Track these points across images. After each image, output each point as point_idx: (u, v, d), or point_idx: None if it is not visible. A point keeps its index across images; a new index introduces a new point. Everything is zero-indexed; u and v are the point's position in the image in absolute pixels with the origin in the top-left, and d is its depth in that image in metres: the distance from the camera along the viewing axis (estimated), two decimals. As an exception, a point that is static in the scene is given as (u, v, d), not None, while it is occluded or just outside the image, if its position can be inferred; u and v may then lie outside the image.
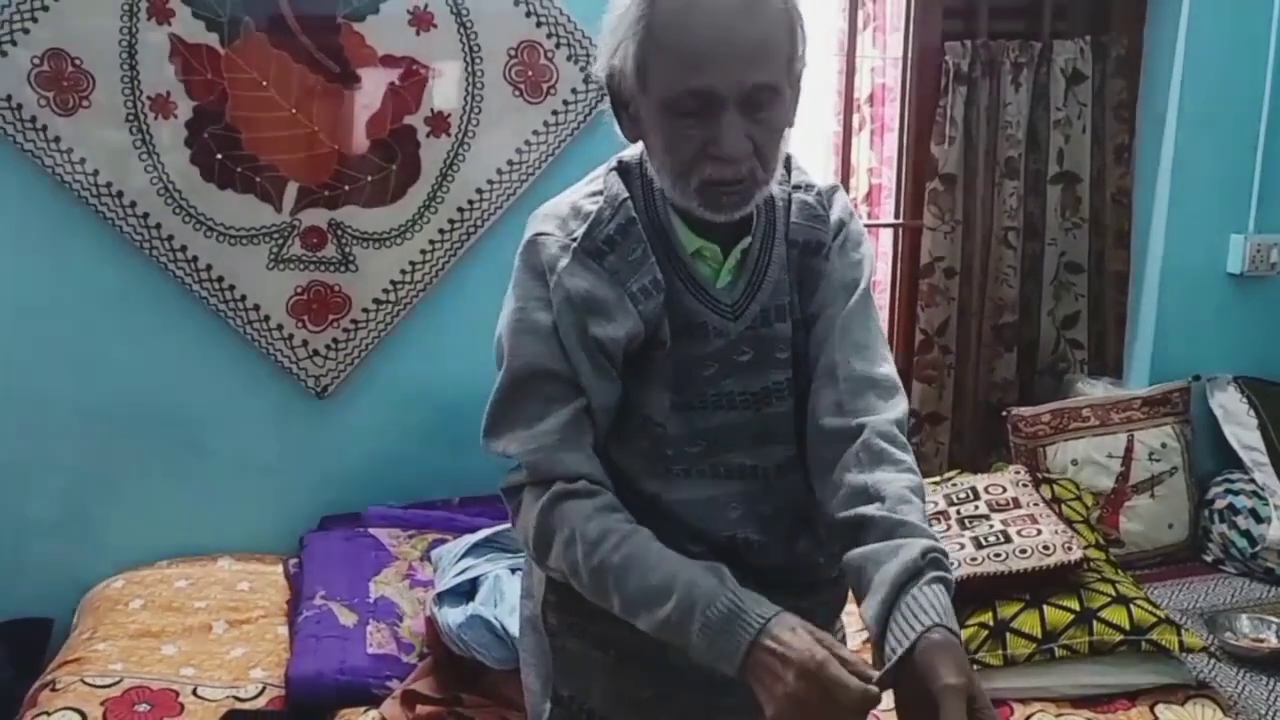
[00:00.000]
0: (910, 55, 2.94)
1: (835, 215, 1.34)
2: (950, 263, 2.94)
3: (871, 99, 3.11)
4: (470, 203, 2.60)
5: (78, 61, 2.35)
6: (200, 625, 2.31)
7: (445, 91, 2.55)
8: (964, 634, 2.15)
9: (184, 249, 2.47)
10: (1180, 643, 2.17)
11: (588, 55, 2.56)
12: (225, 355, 2.55)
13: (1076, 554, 2.27)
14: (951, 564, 1.17)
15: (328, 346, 2.59)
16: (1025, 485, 2.55)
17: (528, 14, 2.55)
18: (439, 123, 2.55)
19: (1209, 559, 2.86)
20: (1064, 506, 2.55)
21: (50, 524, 2.53)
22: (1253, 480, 2.84)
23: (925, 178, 2.93)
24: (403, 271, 2.59)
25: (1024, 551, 2.25)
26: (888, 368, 1.30)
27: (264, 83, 2.45)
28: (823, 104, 3.05)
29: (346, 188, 2.53)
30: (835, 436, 1.25)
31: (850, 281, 1.32)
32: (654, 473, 1.29)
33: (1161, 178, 2.98)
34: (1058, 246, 3.03)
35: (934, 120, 2.90)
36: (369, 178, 2.54)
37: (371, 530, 2.53)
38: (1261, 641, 2.41)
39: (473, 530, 2.37)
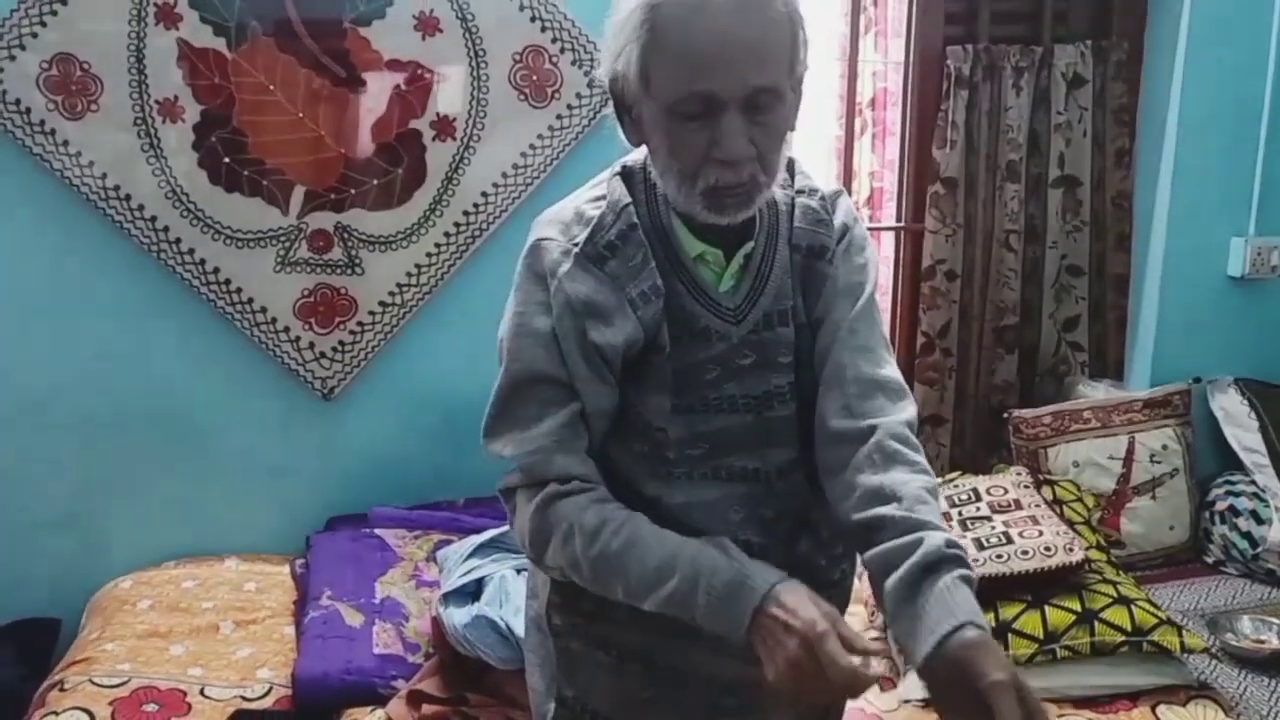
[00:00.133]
0: (912, 59, 2.95)
1: (839, 220, 1.34)
2: (951, 266, 2.95)
3: (873, 103, 3.12)
4: (476, 206, 2.62)
5: (86, 65, 2.37)
6: (207, 625, 2.32)
7: (450, 96, 2.56)
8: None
9: (191, 252, 2.48)
10: (1181, 644, 2.17)
11: (592, 60, 2.58)
12: (232, 358, 2.57)
13: (1078, 555, 2.27)
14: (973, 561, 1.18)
15: (334, 349, 2.61)
16: (1026, 487, 2.56)
17: (533, 19, 2.56)
18: (444, 127, 2.57)
19: (1210, 560, 2.86)
20: (1065, 508, 2.55)
21: (58, 525, 2.54)
22: (1253, 482, 2.85)
23: (927, 181, 2.94)
24: (409, 274, 2.61)
25: (1025, 553, 2.26)
26: (894, 371, 1.31)
27: (271, 87, 2.46)
28: (825, 108, 3.06)
29: (353, 191, 2.55)
30: (845, 438, 1.25)
31: (855, 285, 1.33)
32: (655, 475, 1.29)
33: (1162, 181, 2.99)
34: (1059, 249, 3.04)
35: (935, 124, 2.91)
36: (375, 181, 2.55)
37: (377, 531, 2.54)
38: (1263, 643, 2.42)
39: (477, 531, 2.38)
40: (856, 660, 1.09)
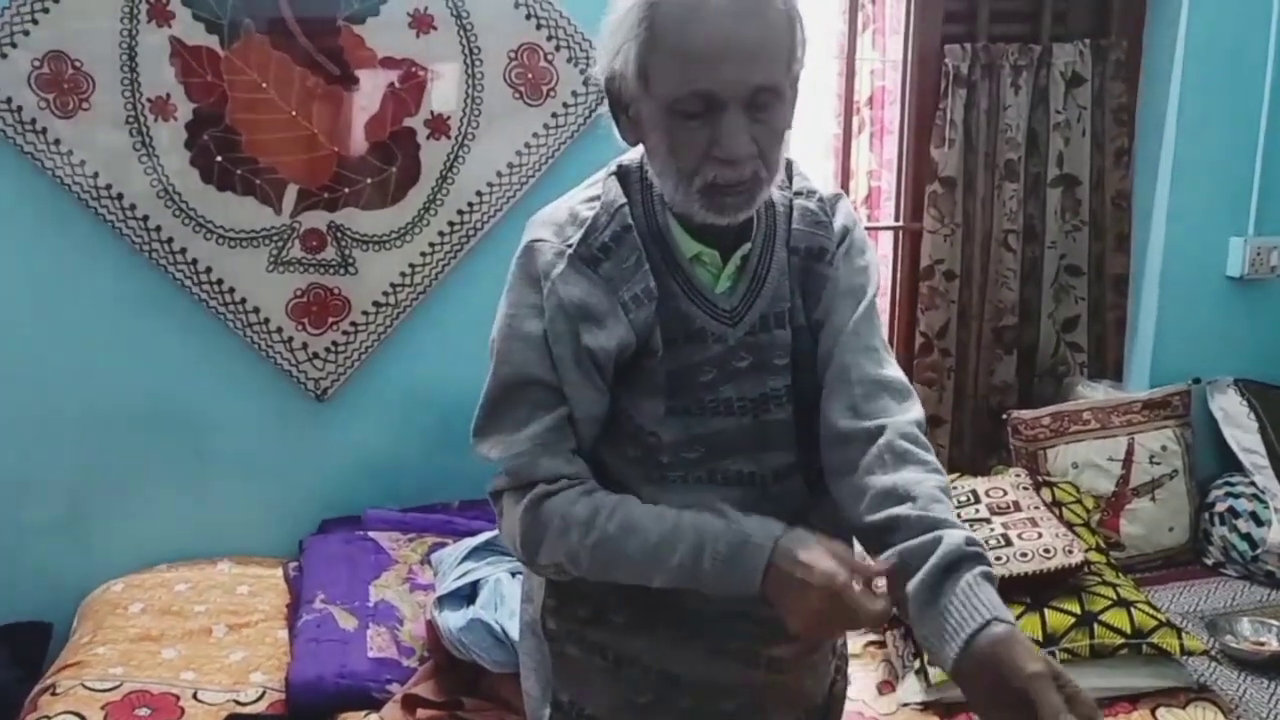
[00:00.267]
0: (910, 58, 2.94)
1: (839, 222, 1.33)
2: (950, 266, 2.94)
3: (871, 101, 3.11)
4: (470, 205, 2.60)
5: (78, 64, 2.35)
6: (200, 629, 2.31)
7: (445, 94, 2.54)
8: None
9: (183, 251, 2.46)
10: (1181, 646, 2.17)
11: (588, 58, 2.56)
12: (225, 358, 2.55)
13: (1077, 557, 2.27)
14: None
15: (327, 349, 2.59)
16: (1025, 488, 2.55)
17: (528, 16, 2.55)
18: (439, 125, 2.55)
19: (1209, 562, 2.86)
20: (1064, 509, 2.54)
21: (49, 528, 2.52)
22: (1253, 483, 2.85)
23: (925, 181, 2.93)
24: (402, 274, 2.59)
25: (1024, 555, 2.25)
26: (898, 371, 1.31)
27: (264, 85, 2.45)
28: (822, 106, 3.05)
29: (346, 190, 2.53)
30: (853, 439, 1.24)
31: (857, 287, 1.32)
32: (649, 480, 1.28)
33: (1161, 181, 2.98)
34: (1057, 249, 3.03)
35: (934, 123, 2.90)
36: (369, 180, 2.54)
37: (371, 534, 2.53)
38: (1262, 644, 2.41)
39: (472, 533, 2.37)
40: (879, 603, 1.11)
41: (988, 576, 1.12)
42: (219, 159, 2.45)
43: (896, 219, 3.06)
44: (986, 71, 2.88)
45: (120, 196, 2.41)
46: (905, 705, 2.16)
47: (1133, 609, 2.21)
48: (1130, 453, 2.85)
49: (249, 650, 2.26)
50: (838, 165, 3.01)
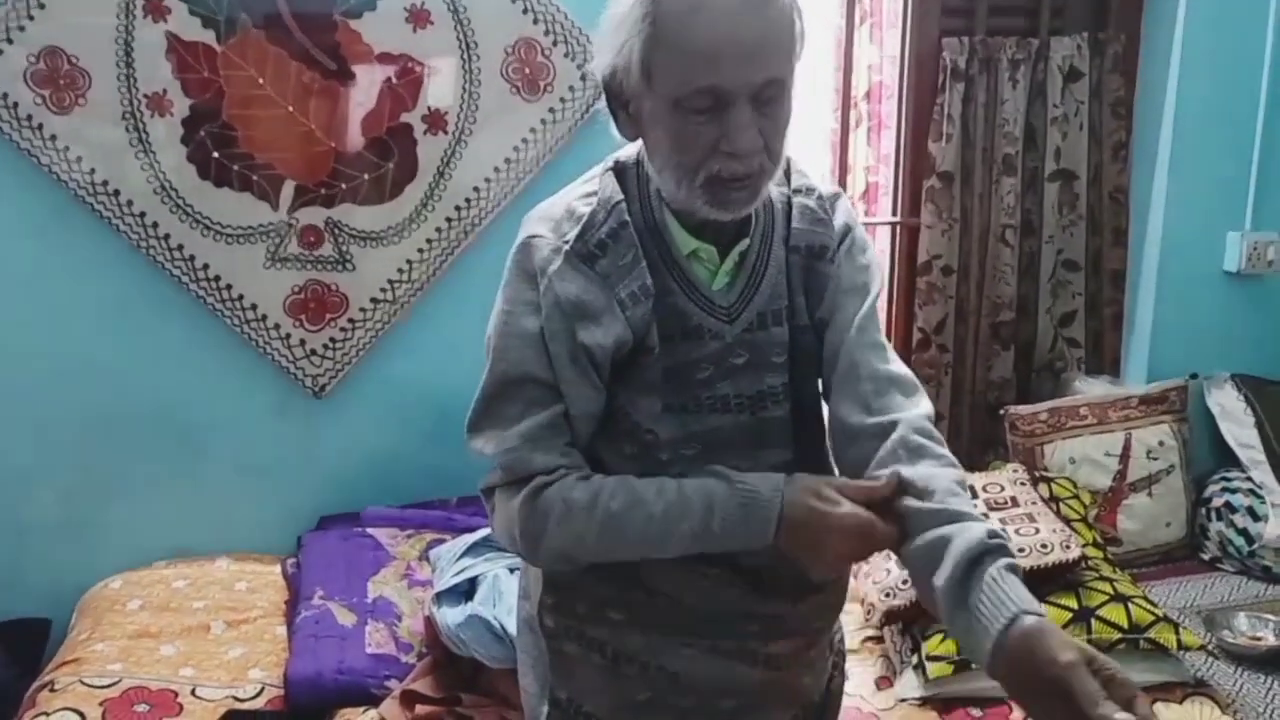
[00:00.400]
0: (907, 52, 2.93)
1: (840, 220, 1.34)
2: (948, 261, 2.94)
3: (868, 96, 3.10)
4: (467, 200, 2.60)
5: (74, 59, 2.34)
6: (198, 625, 2.31)
7: (442, 89, 2.54)
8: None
9: (180, 247, 2.46)
10: (1178, 641, 2.17)
11: (585, 52, 2.56)
12: (222, 354, 2.55)
13: (1074, 552, 2.27)
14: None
15: (325, 346, 2.59)
16: (1023, 484, 2.55)
17: (525, 11, 2.54)
18: (436, 120, 2.55)
19: (1206, 557, 2.86)
20: (1062, 505, 2.55)
21: (48, 524, 2.52)
22: (1250, 478, 2.85)
23: (923, 175, 2.93)
24: (400, 270, 2.59)
25: (1022, 550, 2.25)
26: (904, 367, 1.32)
27: (260, 80, 2.44)
28: (820, 101, 3.05)
29: (343, 186, 2.52)
30: (865, 435, 1.25)
31: (860, 285, 1.32)
32: (648, 476, 1.28)
33: (1159, 175, 2.98)
34: (1055, 244, 3.03)
35: (931, 118, 2.90)
36: (366, 176, 2.53)
37: (369, 530, 2.53)
38: (1259, 639, 2.41)
39: (470, 530, 2.37)
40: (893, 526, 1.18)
41: (1012, 568, 1.12)
42: (216, 155, 2.44)
43: (894, 214, 3.06)
44: (984, 66, 2.87)
45: (117, 193, 2.40)
46: (903, 700, 2.16)
47: (1130, 604, 2.22)
48: (1127, 448, 2.85)
49: (247, 647, 2.26)
50: (835, 160, 3.01)
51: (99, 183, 2.39)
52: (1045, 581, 2.22)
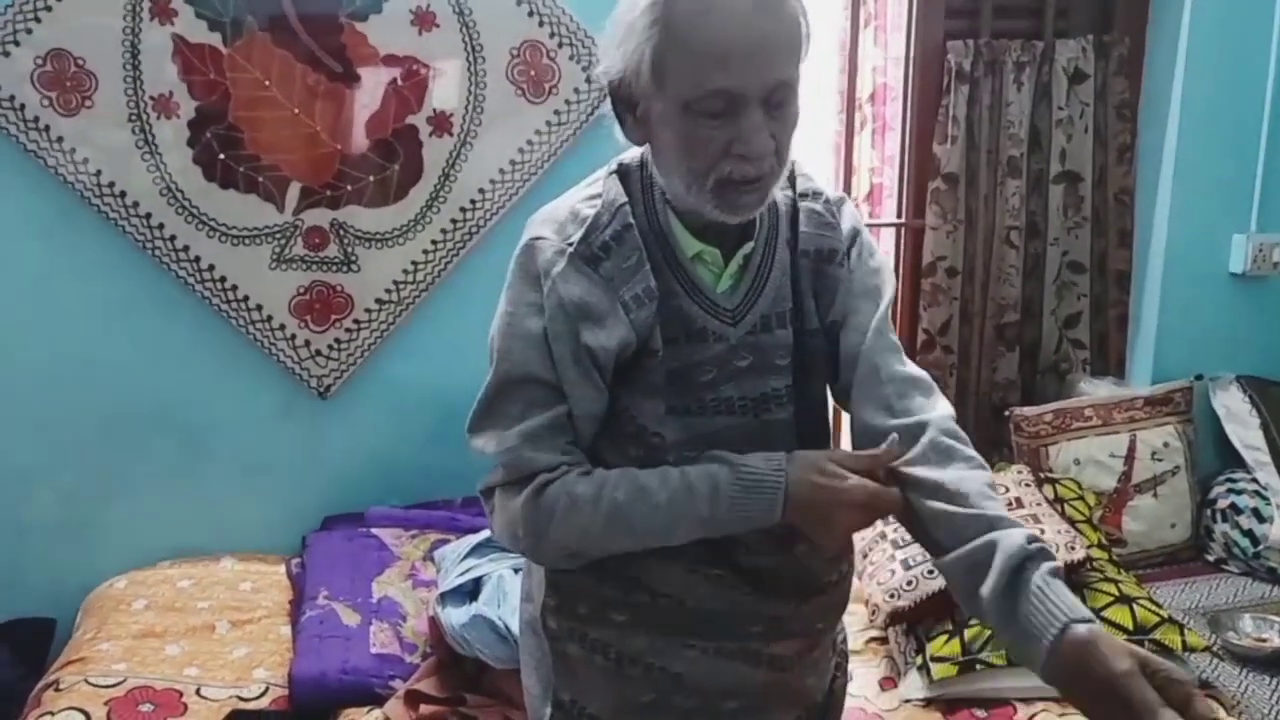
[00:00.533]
0: (912, 54, 2.93)
1: (847, 225, 1.34)
2: (952, 262, 2.94)
3: (873, 98, 3.10)
4: (472, 202, 2.60)
5: (80, 61, 2.35)
6: (203, 625, 2.31)
7: (447, 91, 2.54)
8: (968, 634, 2.15)
9: (186, 249, 2.47)
10: (1183, 642, 2.17)
11: (590, 55, 2.56)
12: (228, 355, 2.55)
13: (1079, 554, 2.27)
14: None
15: (330, 346, 2.59)
16: (1028, 485, 2.55)
17: (530, 13, 2.55)
18: (441, 122, 2.55)
19: (1211, 559, 2.85)
20: (1066, 506, 2.55)
21: (53, 524, 2.53)
22: (1255, 480, 2.84)
23: (927, 177, 2.93)
24: (405, 271, 2.59)
25: (1027, 551, 2.25)
26: (920, 369, 1.33)
27: (266, 82, 2.45)
28: (824, 103, 3.05)
29: (349, 187, 2.53)
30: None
31: (873, 289, 1.33)
32: None
33: (1164, 177, 2.98)
34: (1060, 246, 3.03)
35: (936, 120, 2.90)
36: (371, 178, 2.54)
37: (374, 530, 2.53)
38: (1264, 641, 2.40)
39: (474, 530, 2.37)
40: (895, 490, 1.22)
41: (1055, 572, 1.13)
42: (221, 157, 2.45)
43: (899, 216, 3.06)
44: (989, 68, 2.87)
45: (123, 194, 2.41)
46: (907, 702, 2.16)
47: (1135, 605, 2.21)
48: (1132, 449, 2.85)
49: (252, 646, 2.26)
50: (839, 162, 3.01)
51: (105, 184, 2.40)
52: (1050, 583, 2.22)
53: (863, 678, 2.22)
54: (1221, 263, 3.02)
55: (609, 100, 1.24)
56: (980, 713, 2.11)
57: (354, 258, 2.56)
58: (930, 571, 2.23)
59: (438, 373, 2.63)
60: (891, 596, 2.27)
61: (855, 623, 2.36)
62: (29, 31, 2.31)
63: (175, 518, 2.59)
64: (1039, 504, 2.46)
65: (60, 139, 2.36)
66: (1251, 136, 2.95)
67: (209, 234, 2.47)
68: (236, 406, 2.59)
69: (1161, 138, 2.97)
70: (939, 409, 1.29)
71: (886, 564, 2.34)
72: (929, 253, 2.94)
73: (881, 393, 1.28)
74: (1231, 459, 2.95)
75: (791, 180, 1.34)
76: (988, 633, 2.15)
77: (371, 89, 2.50)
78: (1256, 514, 2.78)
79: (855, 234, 1.35)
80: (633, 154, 1.31)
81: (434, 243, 2.60)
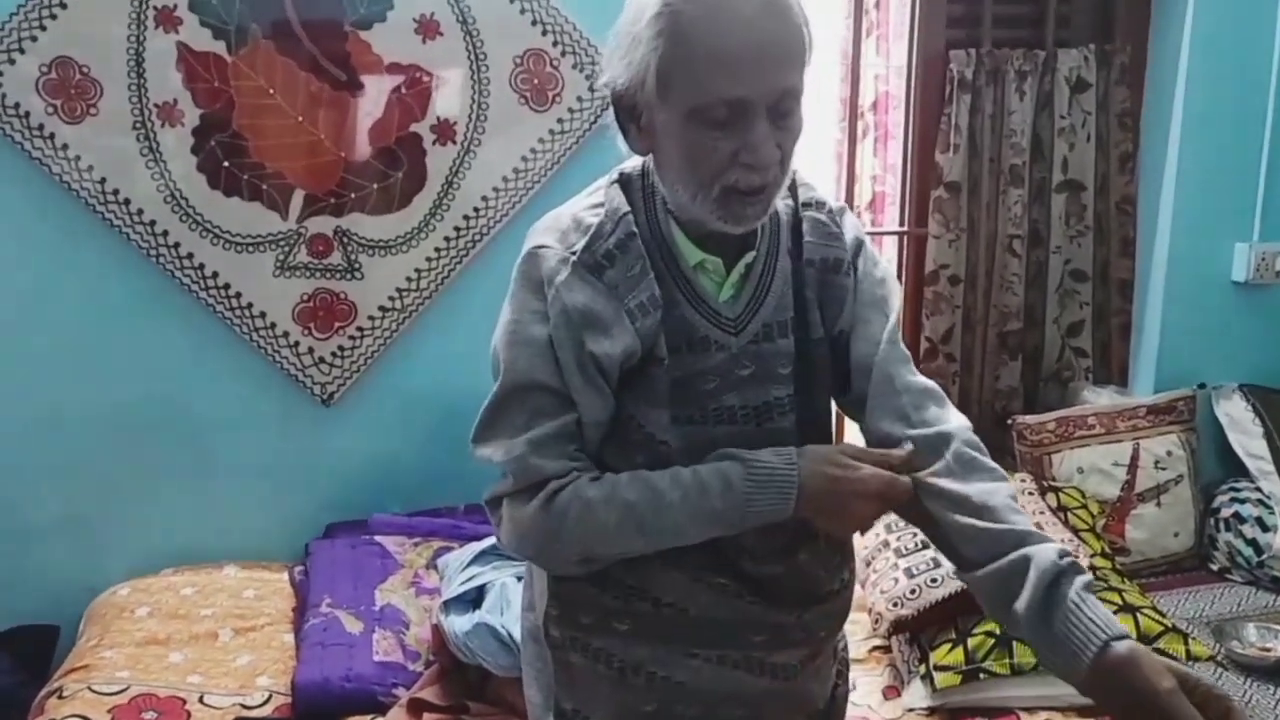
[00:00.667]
0: (914, 63, 2.94)
1: (850, 234, 1.35)
2: (955, 270, 2.94)
3: (875, 106, 3.11)
4: (476, 210, 2.61)
5: (85, 69, 2.36)
6: (206, 633, 2.31)
7: (451, 99, 2.55)
8: (971, 642, 2.15)
9: (190, 256, 2.47)
10: (1187, 651, 2.17)
11: (593, 63, 2.57)
12: (231, 362, 2.56)
13: (1083, 562, 2.26)
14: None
15: (333, 354, 2.59)
16: (1031, 493, 2.55)
17: (533, 22, 2.55)
18: (445, 130, 2.56)
19: (1215, 567, 2.85)
20: (1070, 515, 2.55)
21: (56, 531, 2.53)
22: (1259, 488, 2.84)
23: (930, 186, 2.93)
24: (408, 279, 2.60)
25: (1030, 560, 2.25)
26: (928, 379, 1.34)
27: (270, 90, 2.45)
28: (826, 111, 3.05)
29: (352, 195, 2.54)
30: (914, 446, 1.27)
31: (881, 299, 1.34)
32: None
33: (1166, 186, 2.98)
34: (1062, 254, 3.03)
35: (938, 128, 2.90)
36: (375, 185, 2.54)
37: (377, 538, 2.53)
38: (1268, 650, 2.40)
39: (478, 538, 2.37)
40: (907, 480, 1.23)
41: (1088, 586, 1.15)
42: (226, 164, 2.45)
43: (901, 224, 3.06)
44: (991, 77, 2.88)
45: (127, 201, 2.42)
46: (910, 711, 2.15)
47: (1138, 614, 2.21)
48: (1135, 458, 2.84)
49: (255, 654, 2.26)
50: (842, 170, 3.01)
51: (109, 191, 2.41)
52: (1053, 591, 2.22)
53: (866, 686, 2.21)
54: (1224, 271, 3.02)
55: (612, 110, 1.24)
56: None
57: (357, 265, 2.56)
58: (933, 580, 2.23)
59: (441, 380, 2.63)
60: (895, 605, 2.27)
61: (858, 631, 2.36)
62: (34, 39, 2.32)
63: (178, 525, 2.60)
64: (1042, 512, 2.46)
65: (65, 146, 2.37)
66: (1253, 145, 2.95)
67: (213, 241, 2.48)
68: (240, 413, 2.60)
69: (1163, 146, 2.97)
70: (956, 420, 1.31)
71: (889, 572, 2.34)
72: (931, 261, 2.94)
73: (898, 403, 1.30)
74: (1235, 468, 2.94)
75: (792, 190, 1.34)
76: (991, 642, 2.15)
77: (375, 97, 2.51)
78: (1260, 523, 2.77)
79: (859, 244, 1.35)
80: (634, 163, 1.31)
81: (437, 250, 2.60)
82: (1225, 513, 2.85)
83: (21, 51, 2.32)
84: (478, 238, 2.62)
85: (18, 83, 2.33)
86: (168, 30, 2.38)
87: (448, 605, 2.14)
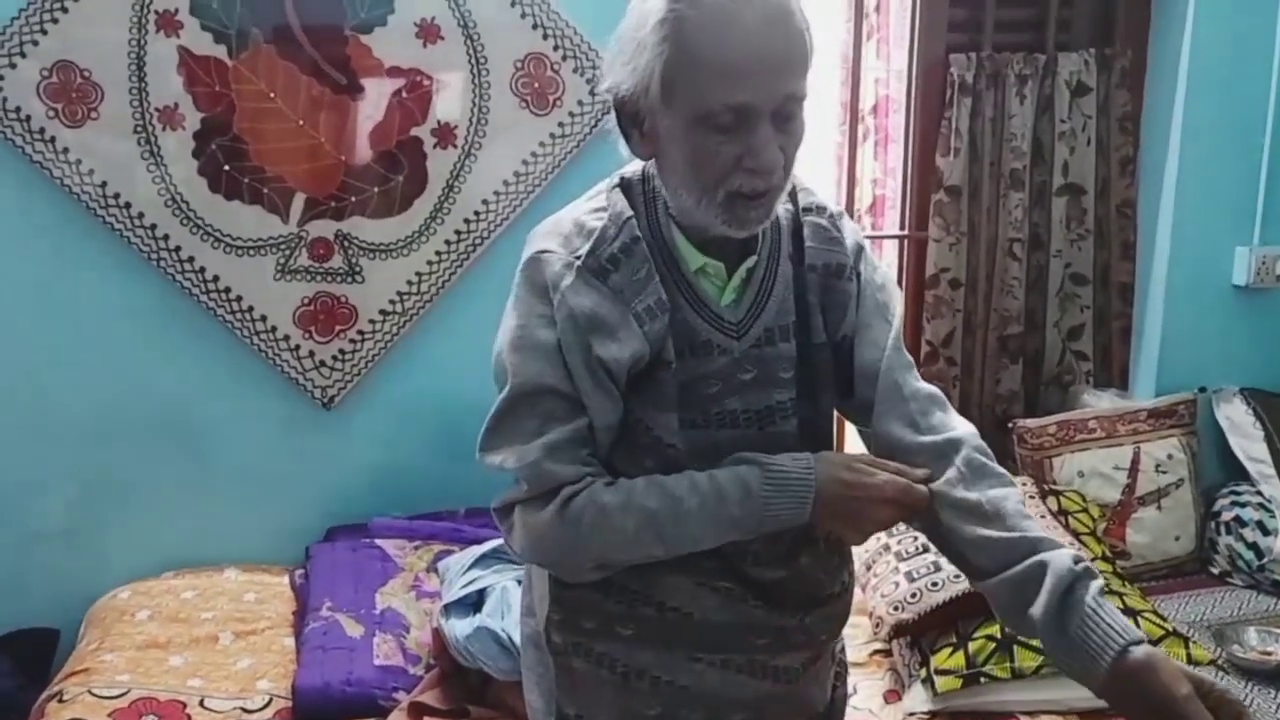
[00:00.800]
0: (915, 67, 2.94)
1: (851, 239, 1.36)
2: (955, 274, 2.94)
3: (875, 110, 3.12)
4: (476, 214, 2.61)
5: (86, 73, 2.36)
6: (207, 636, 2.31)
7: (451, 103, 2.55)
8: (972, 646, 2.15)
9: (191, 260, 2.47)
10: (1188, 655, 2.17)
11: (594, 68, 2.57)
12: (232, 366, 2.56)
13: (1086, 567, 2.26)
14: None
15: (334, 357, 2.59)
16: (1032, 497, 2.55)
17: (534, 26, 2.56)
18: (445, 134, 2.56)
19: (1216, 571, 2.85)
20: (1070, 518, 2.55)
21: (57, 534, 2.53)
22: (1259, 492, 2.84)
23: (930, 189, 2.93)
24: (409, 283, 2.60)
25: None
26: (931, 385, 1.36)
27: (271, 94, 2.46)
28: (827, 115, 3.06)
29: (353, 199, 2.54)
30: (918, 453, 1.29)
31: (883, 304, 1.35)
32: None
33: (1166, 189, 2.98)
34: (1063, 258, 3.03)
35: (939, 132, 2.91)
36: (376, 189, 2.54)
37: (378, 541, 2.53)
38: (1269, 654, 2.40)
39: (478, 541, 2.37)
40: (923, 489, 1.25)
41: (1103, 591, 1.17)
42: (226, 168, 2.46)
43: (901, 228, 3.06)
44: (991, 81, 2.88)
45: (128, 205, 2.42)
46: (911, 715, 2.15)
47: (1139, 618, 2.21)
48: (1136, 461, 2.84)
49: (256, 658, 2.26)
50: (842, 173, 3.02)
51: (110, 195, 2.41)
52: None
53: (867, 690, 2.22)
54: (1224, 275, 3.02)
55: (614, 115, 1.24)
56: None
57: (358, 269, 2.57)
58: (934, 584, 2.23)
59: (442, 384, 2.63)
60: (895, 609, 2.27)
61: (859, 635, 2.36)
62: (35, 43, 2.32)
63: (179, 528, 2.60)
64: (1043, 516, 2.46)
65: (66, 150, 2.37)
66: (1254, 149, 2.95)
67: (214, 245, 2.48)
68: (241, 417, 2.60)
69: (1164, 150, 2.98)
70: (963, 426, 1.32)
71: (890, 576, 2.34)
72: (932, 264, 2.94)
73: (906, 409, 1.31)
74: (1235, 471, 2.94)
75: (792, 194, 1.34)
76: (992, 646, 2.15)
77: (376, 101, 2.51)
78: (1261, 527, 2.77)
79: (859, 248, 1.36)
80: (634, 168, 1.31)
81: (438, 254, 2.60)
82: (1226, 516, 2.85)
83: (23, 55, 2.32)
84: (478, 241, 2.62)
85: (19, 86, 2.33)
86: (169, 34, 2.38)
87: (448, 609, 2.14)
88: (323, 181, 2.51)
